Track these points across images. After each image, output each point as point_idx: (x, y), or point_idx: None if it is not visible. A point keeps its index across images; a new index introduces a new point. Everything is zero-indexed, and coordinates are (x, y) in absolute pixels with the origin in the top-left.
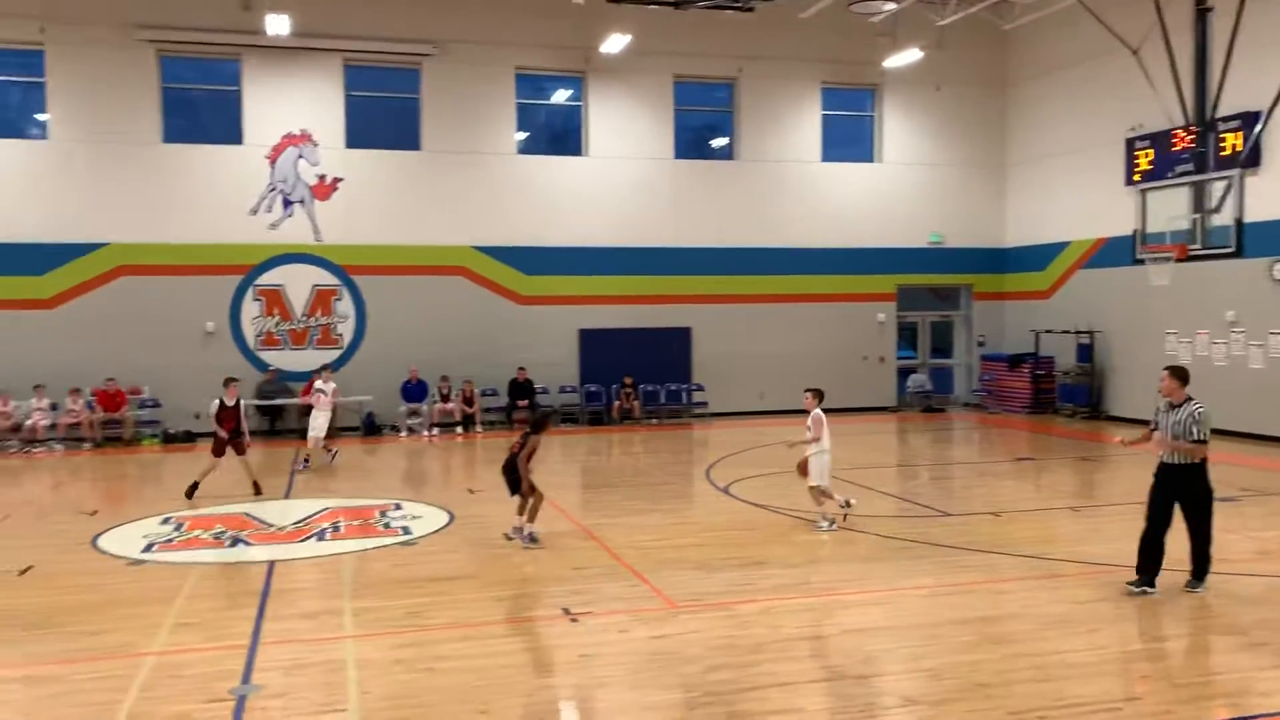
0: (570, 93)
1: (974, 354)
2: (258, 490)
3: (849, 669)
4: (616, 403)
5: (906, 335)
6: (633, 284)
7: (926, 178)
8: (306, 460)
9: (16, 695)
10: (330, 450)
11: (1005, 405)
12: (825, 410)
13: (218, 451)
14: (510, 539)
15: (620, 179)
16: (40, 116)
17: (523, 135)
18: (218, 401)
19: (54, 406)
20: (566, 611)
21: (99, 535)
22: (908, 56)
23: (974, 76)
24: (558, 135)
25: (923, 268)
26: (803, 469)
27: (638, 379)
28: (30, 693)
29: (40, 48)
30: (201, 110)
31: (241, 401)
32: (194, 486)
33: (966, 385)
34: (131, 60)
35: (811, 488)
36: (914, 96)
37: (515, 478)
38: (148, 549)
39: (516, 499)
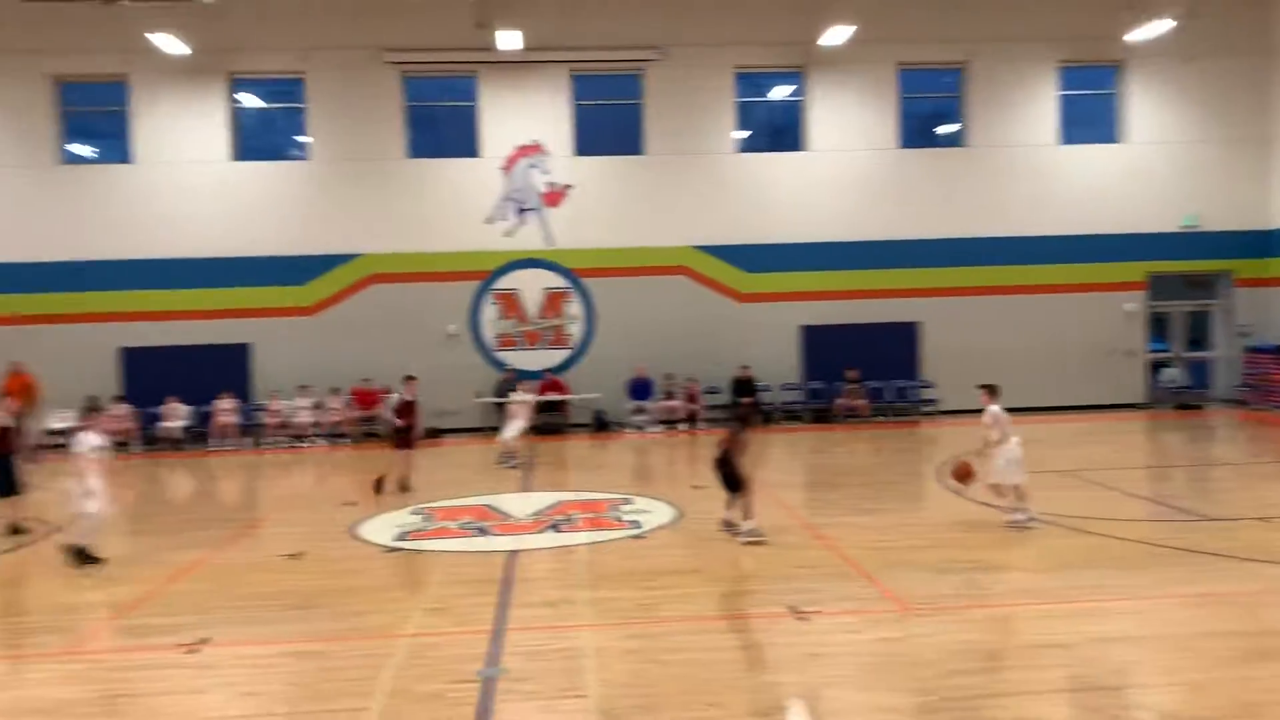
0: (791, 88)
1: (1235, 345)
2: (403, 488)
3: (1098, 679)
4: (841, 400)
5: (1157, 326)
6: (856, 279)
7: (1178, 156)
8: (512, 457)
9: (288, 667)
10: (511, 458)
11: (1272, 400)
12: (1049, 408)
13: (400, 446)
14: (728, 532)
15: (842, 172)
16: (301, 139)
17: (742, 134)
18: (396, 396)
19: (317, 405)
20: (793, 609)
21: (358, 524)
22: (1157, 28)
23: (1232, 45)
24: (777, 131)
25: (1175, 253)
26: (962, 474)
27: (863, 375)
28: (299, 666)
29: (301, 76)
30: (441, 126)
31: (418, 399)
32: (380, 481)
33: (1227, 379)
34: (379, 82)
35: (993, 485)
36: (1163, 70)
37: (727, 473)
38: (401, 538)
39: (730, 494)
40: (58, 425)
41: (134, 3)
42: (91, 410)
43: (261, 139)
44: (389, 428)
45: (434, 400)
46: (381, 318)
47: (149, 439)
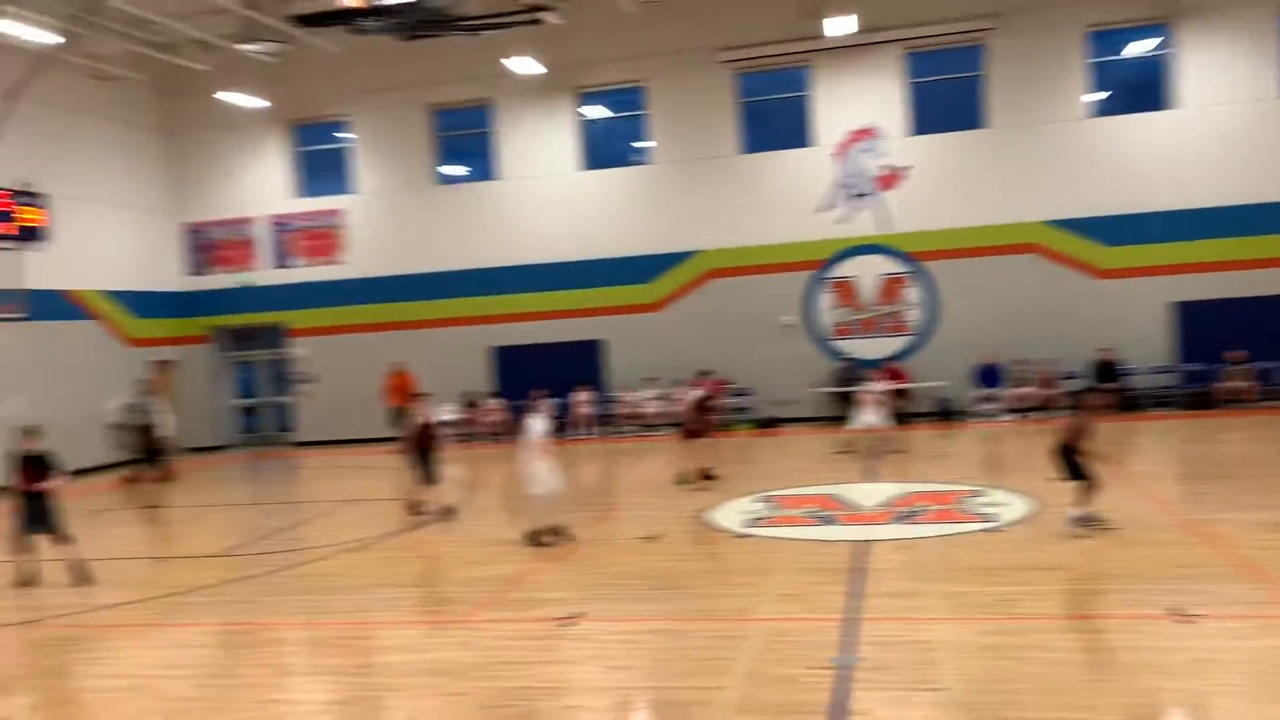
0: (1154, 42)
1: None
2: (705, 477)
3: None
4: (1222, 383)
5: None
6: (1237, 247)
7: None
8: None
9: (650, 644)
10: (862, 447)
11: None
12: None
13: (691, 436)
14: (1082, 527)
15: (1216, 129)
16: (641, 145)
17: (1095, 97)
18: (695, 392)
19: (663, 396)
20: (1175, 611)
21: (707, 510)
22: None
23: None
24: (1136, 90)
25: None
26: None
27: (1250, 355)
28: (663, 643)
29: (641, 84)
30: (773, 119)
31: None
32: (692, 474)
33: None
34: (713, 82)
35: None
36: None
37: (1071, 463)
38: (750, 524)
39: (1077, 484)
40: (442, 418)
41: (496, 31)
42: (470, 405)
43: (606, 148)
44: (686, 421)
45: (771, 390)
46: (720, 311)
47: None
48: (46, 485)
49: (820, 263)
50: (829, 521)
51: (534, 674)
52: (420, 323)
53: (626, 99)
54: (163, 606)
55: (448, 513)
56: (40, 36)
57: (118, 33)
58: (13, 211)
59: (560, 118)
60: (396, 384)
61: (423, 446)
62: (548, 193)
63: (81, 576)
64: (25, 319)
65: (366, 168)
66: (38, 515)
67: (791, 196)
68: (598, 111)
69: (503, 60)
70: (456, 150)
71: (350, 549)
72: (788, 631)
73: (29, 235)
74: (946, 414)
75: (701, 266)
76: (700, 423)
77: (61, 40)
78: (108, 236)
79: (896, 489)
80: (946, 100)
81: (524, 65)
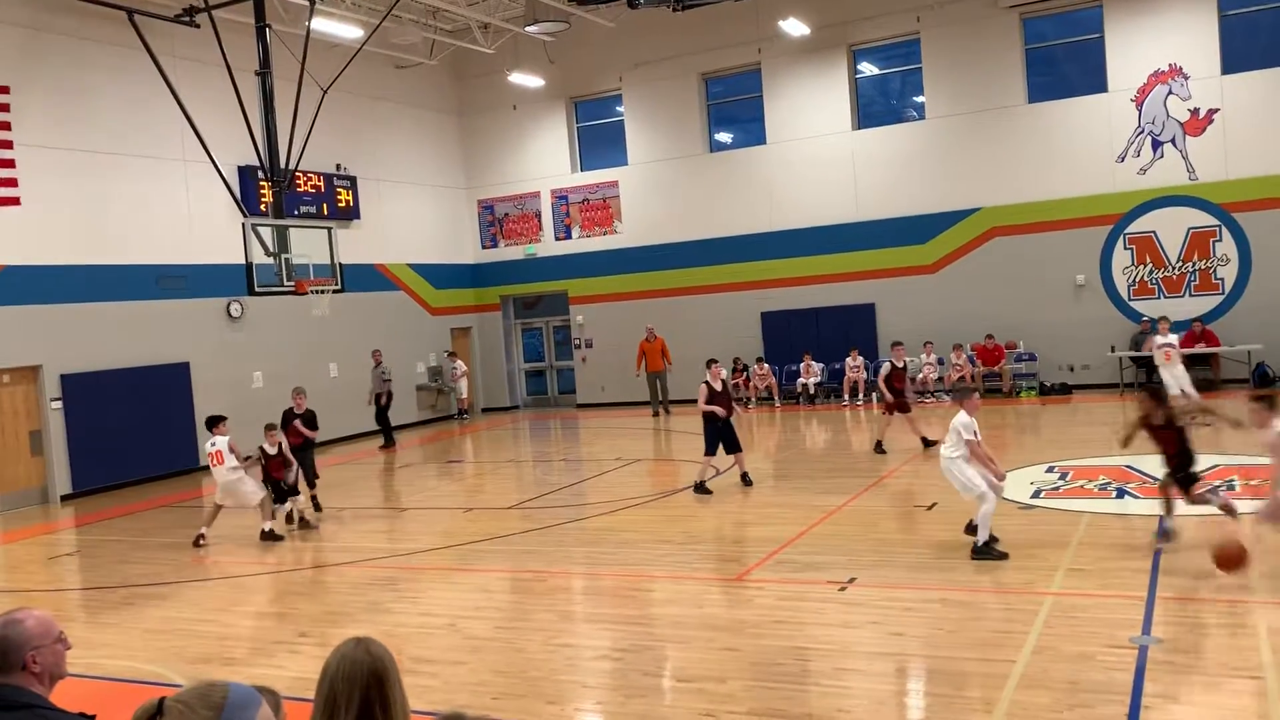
0: None
1: None
2: (926, 444)
3: None
4: None
5: None
6: None
7: None
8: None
9: (932, 613)
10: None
11: None
12: None
13: (890, 410)
14: None
15: None
16: (917, 99)
17: None
18: (888, 364)
19: (940, 361)
20: None
21: None
22: None
23: None
24: None
25: None
26: (1229, 560)
27: None
28: (943, 612)
29: (916, 37)
30: (1062, 65)
31: (908, 366)
32: (879, 443)
33: None
34: (997, 29)
35: None
36: None
37: None
38: (1036, 495)
39: None
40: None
41: None
42: (737, 371)
43: (880, 104)
44: (886, 392)
45: (1060, 355)
46: (1004, 271)
47: (787, 394)
48: (312, 435)
49: (1116, 217)
50: (1124, 494)
51: (808, 635)
52: (692, 289)
53: (901, 53)
54: (464, 553)
55: (744, 480)
56: (349, 32)
57: (416, 23)
58: (326, 193)
59: (832, 77)
60: (647, 349)
61: (715, 416)
62: (819, 154)
63: (305, 524)
64: (339, 291)
65: (639, 139)
66: (307, 466)
67: (1084, 147)
68: (871, 68)
69: (774, 23)
70: (726, 117)
71: (629, 506)
72: (1082, 608)
73: (342, 214)
74: (1265, 379)
75: (983, 225)
76: (896, 395)
77: (364, 34)
78: (410, 213)
79: (1204, 461)
80: (1266, 32)
81: (795, 26)
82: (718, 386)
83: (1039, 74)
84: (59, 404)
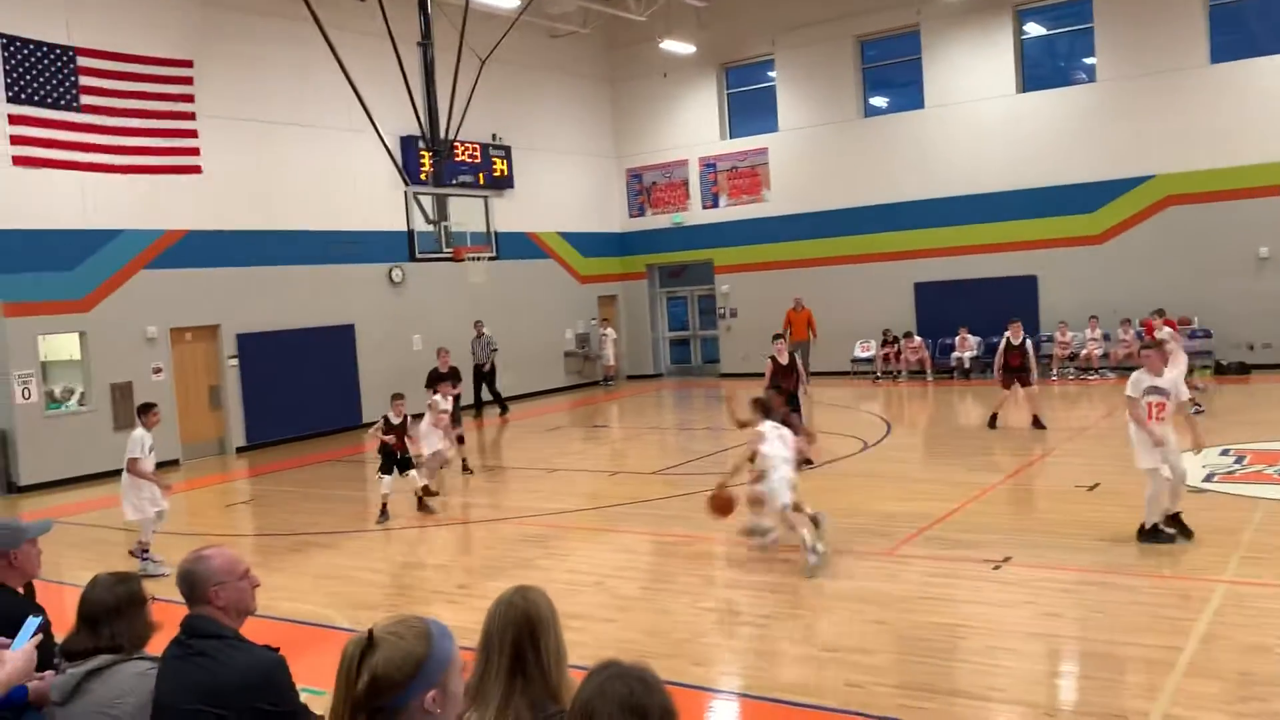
0: None
1: None
2: (1037, 424)
3: None
4: None
5: None
6: None
7: None
8: None
9: (1093, 595)
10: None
11: None
12: None
13: (1006, 384)
14: None
15: None
16: (1087, 61)
17: None
18: (1004, 340)
19: (1105, 336)
20: None
21: None
22: None
23: None
24: None
25: None
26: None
27: None
28: (1104, 596)
29: None
30: (1249, 22)
31: (1028, 341)
32: (993, 417)
33: None
34: None
35: None
36: None
37: None
38: (1208, 479)
39: None
40: (860, 354)
41: None
42: (887, 343)
43: (1047, 66)
44: (1001, 367)
45: (1238, 332)
46: (1179, 243)
47: (941, 368)
48: (458, 391)
49: None
50: None
51: (959, 611)
52: (841, 258)
53: (1070, 12)
54: (610, 515)
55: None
56: (506, 2)
57: None
58: (483, 162)
59: (996, 38)
60: (794, 320)
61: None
62: (980, 119)
63: (424, 504)
64: (494, 258)
65: (790, 104)
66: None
67: (1272, 110)
68: (1038, 29)
69: None
70: (881, 81)
71: None
72: (1257, 597)
73: (497, 183)
74: None
75: (1156, 193)
76: (1011, 371)
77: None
78: (561, 182)
79: None
80: None
81: None
82: (783, 361)
83: (1223, 33)
84: (235, 361)
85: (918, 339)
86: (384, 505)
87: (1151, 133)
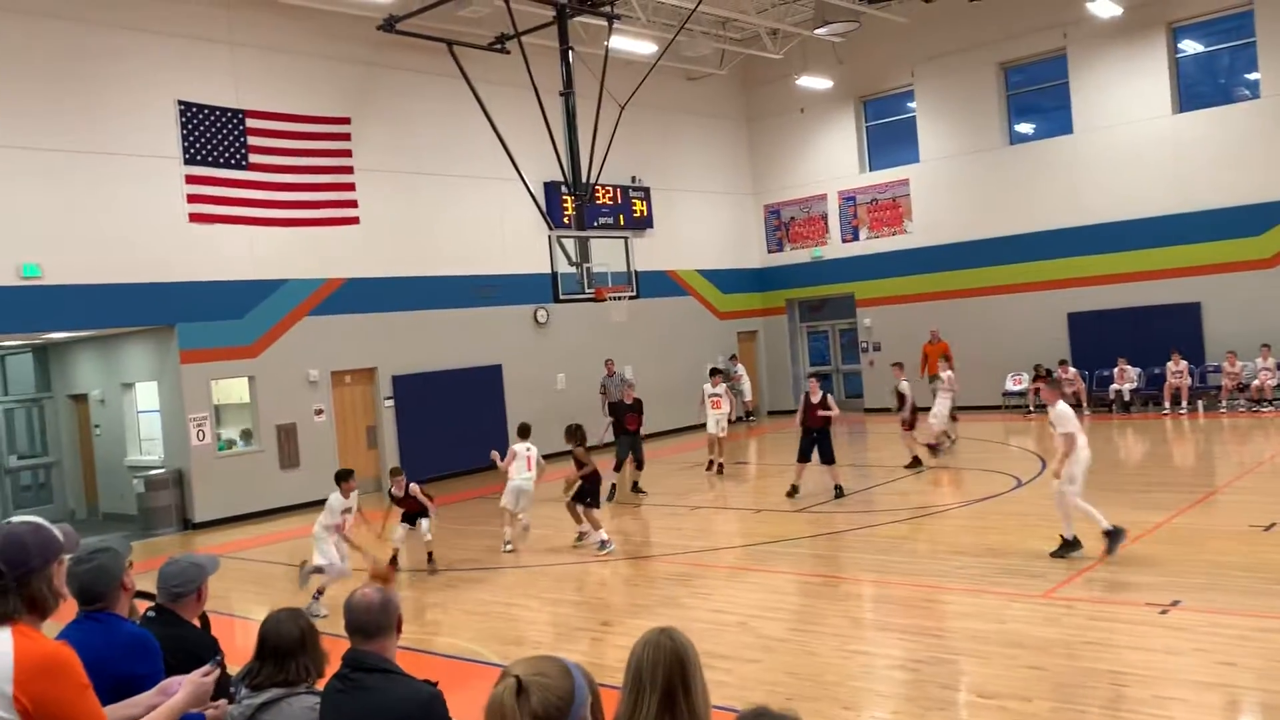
0: None
1: None
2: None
3: None
4: None
5: None
6: None
7: None
8: None
9: (1273, 642)
10: None
11: None
12: None
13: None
14: None
15: None
16: (1249, 77)
17: None
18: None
19: (1279, 366)
20: None
21: None
22: None
23: None
24: None
25: None
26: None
27: None
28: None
29: (1249, 9)
30: None
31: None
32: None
33: None
34: None
35: None
36: None
37: None
38: None
39: None
40: (1011, 388)
41: None
42: (1039, 378)
43: (1206, 84)
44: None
45: None
46: None
47: (1099, 401)
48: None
49: None
50: None
51: (1123, 658)
52: (988, 289)
53: (1229, 27)
54: (754, 553)
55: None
56: (644, 48)
57: (707, 34)
58: (623, 204)
59: (1148, 58)
60: (930, 351)
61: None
62: (1133, 142)
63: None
64: (635, 297)
65: (931, 134)
66: (637, 451)
67: None
68: (1195, 46)
69: (1082, 5)
70: (1027, 107)
71: (920, 515)
72: None
73: (636, 223)
74: None
75: None
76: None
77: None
78: (699, 220)
79: None
80: None
81: (1104, 8)
82: (815, 399)
83: None
84: (391, 402)
85: (1073, 370)
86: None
87: None
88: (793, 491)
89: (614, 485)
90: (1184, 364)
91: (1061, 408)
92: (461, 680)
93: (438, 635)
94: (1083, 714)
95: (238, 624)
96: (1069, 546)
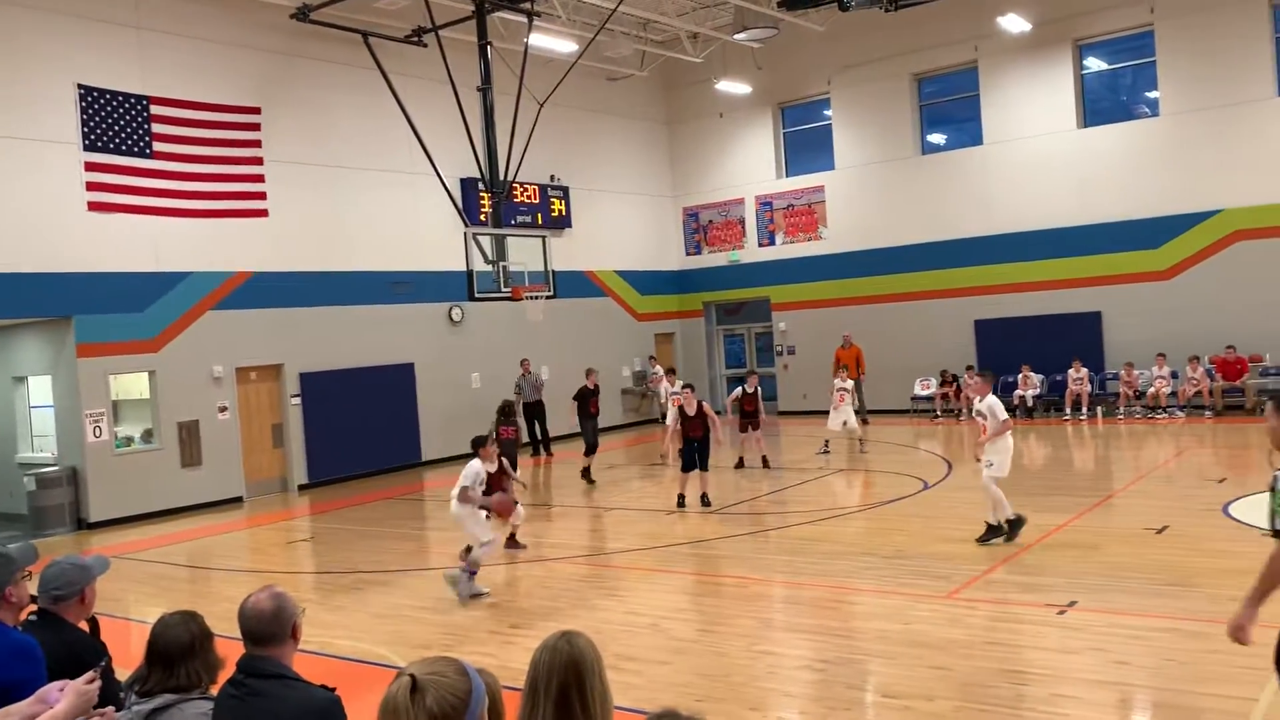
0: None
1: None
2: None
3: None
4: None
5: None
6: None
7: None
8: None
9: (1163, 642)
10: None
11: None
12: None
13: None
14: None
15: None
16: (1150, 95)
17: None
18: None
19: (1174, 375)
20: None
21: (1230, 503)
22: None
23: None
24: None
25: None
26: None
27: None
28: (1176, 643)
29: (1149, 29)
30: None
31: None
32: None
33: None
34: (1242, 18)
35: None
36: None
37: None
38: None
39: None
40: (920, 392)
41: None
42: (946, 382)
43: (1109, 101)
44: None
45: None
46: (1248, 277)
47: (1003, 406)
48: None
49: None
50: None
51: (1023, 658)
52: (900, 295)
53: (1131, 46)
54: (666, 555)
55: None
56: (564, 46)
57: (628, 35)
58: (541, 203)
59: (1055, 73)
60: (843, 356)
61: None
62: (1039, 154)
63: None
64: (551, 297)
65: (847, 142)
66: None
67: None
68: (1098, 63)
69: (993, 20)
70: (939, 118)
71: (831, 516)
72: None
73: (555, 223)
74: None
75: (1225, 227)
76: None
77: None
78: (618, 221)
79: None
80: None
81: (1014, 23)
82: (690, 411)
83: None
84: (298, 400)
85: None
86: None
87: (1217, 167)
88: (703, 500)
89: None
90: (1085, 371)
91: (991, 399)
92: (366, 684)
93: (342, 639)
94: (984, 713)
95: (134, 628)
96: (994, 532)
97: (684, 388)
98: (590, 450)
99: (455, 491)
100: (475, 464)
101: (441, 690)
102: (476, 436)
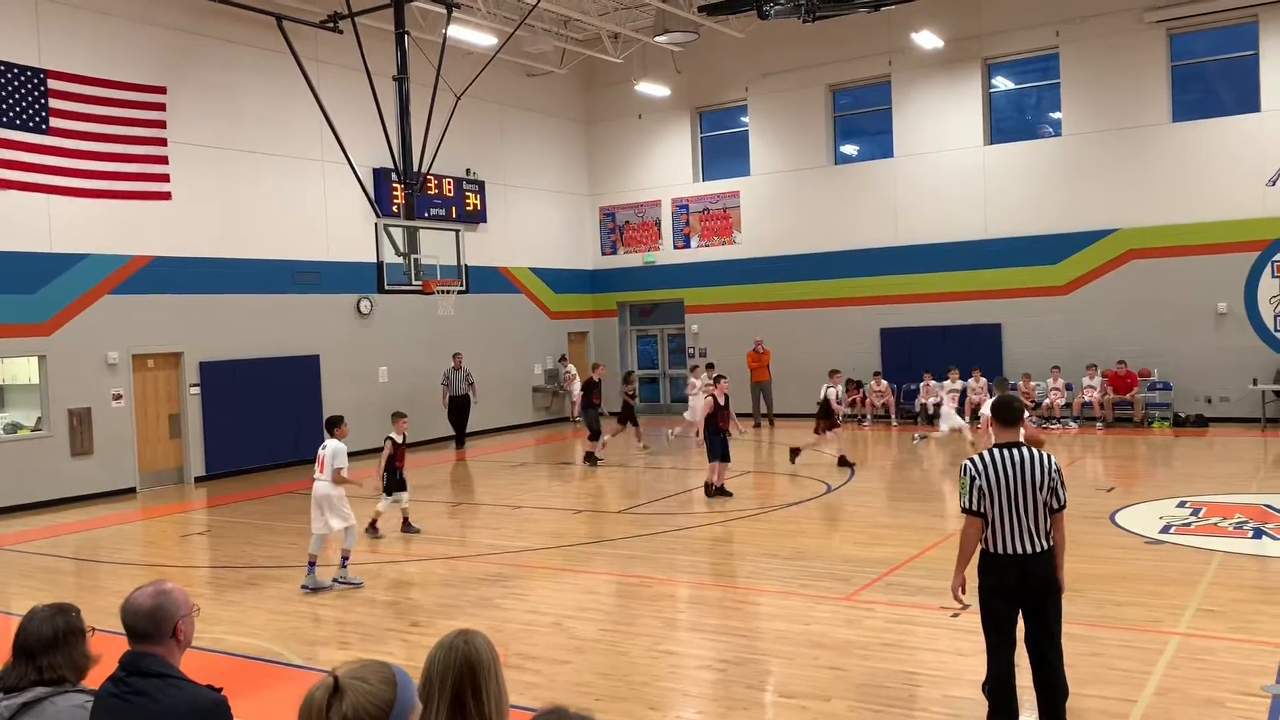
0: None
1: None
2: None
3: None
4: None
5: None
6: None
7: None
8: None
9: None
10: None
11: None
12: None
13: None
14: None
15: None
16: (1054, 115)
17: None
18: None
19: (1069, 386)
20: None
21: (1116, 511)
22: None
23: None
24: None
25: None
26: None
27: None
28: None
29: (1055, 51)
30: (1211, 82)
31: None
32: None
33: None
34: (1141, 45)
35: None
36: None
37: None
38: (1165, 530)
39: None
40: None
41: (899, 5)
42: (853, 387)
43: (1014, 120)
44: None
45: (1197, 385)
46: (1140, 295)
47: (905, 413)
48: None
49: (1265, 243)
50: (1261, 534)
51: (917, 659)
52: (809, 302)
53: (1037, 67)
54: (572, 554)
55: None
56: (483, 40)
57: (548, 32)
58: (455, 197)
59: (964, 91)
60: (752, 360)
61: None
62: (948, 169)
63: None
64: (464, 291)
65: (762, 149)
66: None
67: (1231, 169)
68: (1006, 83)
69: (907, 35)
70: (852, 129)
71: (736, 518)
72: (1210, 650)
73: (469, 217)
74: None
75: (1119, 246)
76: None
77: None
78: (534, 218)
79: None
80: None
81: (927, 39)
82: (722, 401)
83: (1185, 92)
84: (197, 390)
85: (884, 382)
86: (374, 522)
87: (1114, 187)
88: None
89: (590, 454)
90: (984, 381)
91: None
92: (259, 681)
93: (235, 635)
94: (878, 713)
95: (13, 622)
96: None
97: (718, 379)
98: (594, 436)
99: (327, 474)
100: (337, 444)
101: (360, 697)
102: (331, 416)
